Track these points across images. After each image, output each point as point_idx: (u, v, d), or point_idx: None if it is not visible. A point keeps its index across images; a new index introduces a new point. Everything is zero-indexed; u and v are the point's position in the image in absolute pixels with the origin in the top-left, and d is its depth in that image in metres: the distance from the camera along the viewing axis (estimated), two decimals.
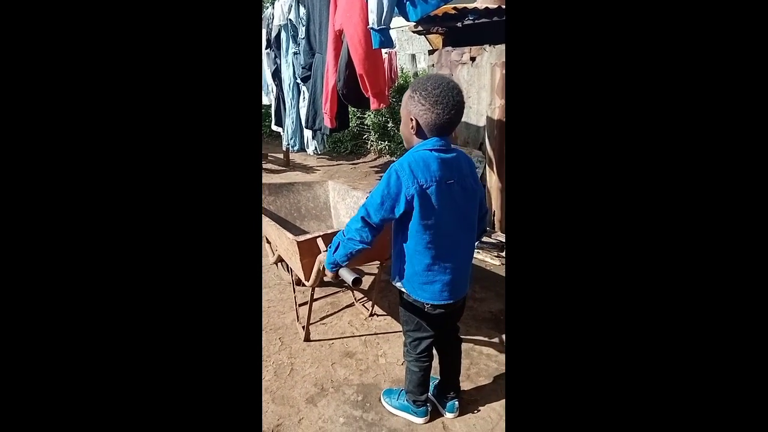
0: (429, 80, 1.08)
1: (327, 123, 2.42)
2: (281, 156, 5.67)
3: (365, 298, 2.20)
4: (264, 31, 3.80)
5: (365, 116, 5.79)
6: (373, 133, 5.84)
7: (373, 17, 1.59)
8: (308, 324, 1.84)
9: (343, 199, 2.40)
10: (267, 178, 4.85)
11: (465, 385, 1.56)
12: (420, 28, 3.38)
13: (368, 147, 6.10)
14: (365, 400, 1.51)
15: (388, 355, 1.77)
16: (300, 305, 2.01)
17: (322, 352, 1.79)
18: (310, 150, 3.25)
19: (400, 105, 1.16)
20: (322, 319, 2.04)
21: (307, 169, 5.50)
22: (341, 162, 5.84)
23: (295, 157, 5.89)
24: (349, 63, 1.97)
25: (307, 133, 3.15)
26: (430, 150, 1.08)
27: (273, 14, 3.42)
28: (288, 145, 3.62)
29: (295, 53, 3.05)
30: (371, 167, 5.50)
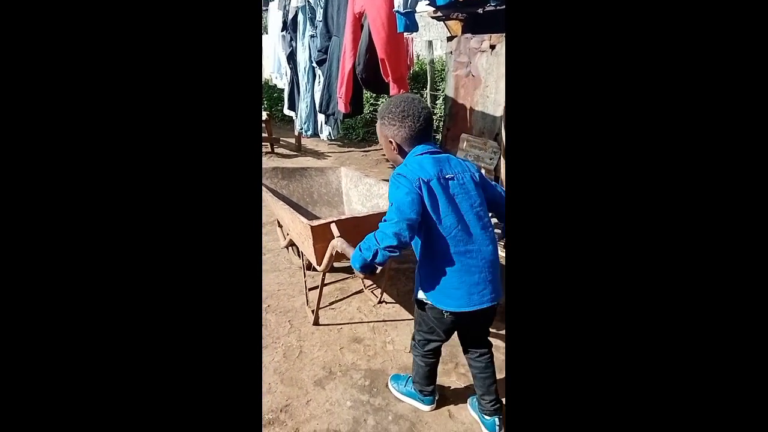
0: (391, 103, 1.16)
1: (341, 108, 2.40)
2: (293, 141, 5.65)
3: (374, 285, 2.21)
4: (281, 13, 3.75)
5: (378, 103, 5.74)
6: None
7: (399, 0, 1.56)
8: (318, 308, 1.86)
9: (356, 185, 2.40)
10: (278, 163, 4.85)
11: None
12: (439, 14, 3.30)
13: None
14: (372, 385, 1.53)
15: (396, 342, 1.78)
16: (310, 290, 2.02)
17: (330, 336, 1.81)
18: (324, 135, 3.22)
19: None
20: (331, 304, 2.05)
21: (318, 155, 5.49)
22: (352, 149, 5.82)
23: (307, 143, 5.87)
24: (370, 47, 1.94)
25: (321, 118, 3.13)
26: (420, 154, 1.13)
27: None
28: (301, 129, 3.61)
29: (312, 36, 3.01)
30: (383, 155, 5.46)
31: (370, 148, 5.81)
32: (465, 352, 1.31)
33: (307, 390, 1.50)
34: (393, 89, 1.92)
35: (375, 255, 1.07)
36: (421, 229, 1.10)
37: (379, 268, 1.14)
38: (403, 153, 1.17)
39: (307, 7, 3.03)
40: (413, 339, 1.35)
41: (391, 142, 1.17)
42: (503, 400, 1.31)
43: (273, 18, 4.16)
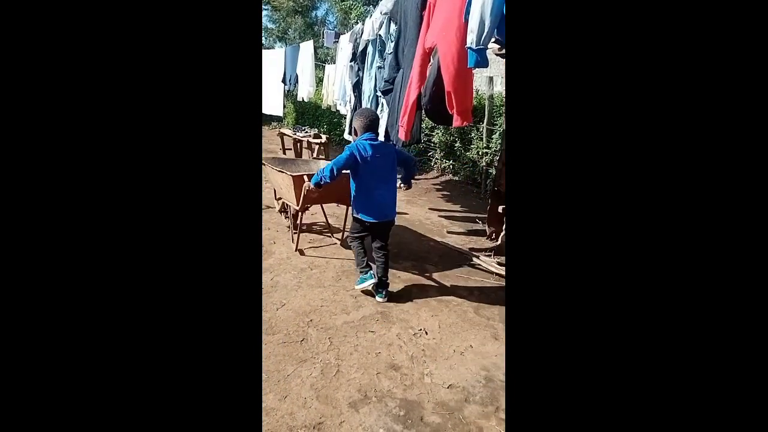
0: (359, 111, 2.36)
1: (401, 135, 2.47)
2: None
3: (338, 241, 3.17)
4: (351, 45, 4.01)
5: (433, 134, 5.83)
6: (438, 151, 5.85)
7: (472, 37, 1.61)
8: (298, 240, 2.88)
9: None
10: None
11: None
12: (504, 51, 3.35)
13: (432, 164, 6.11)
14: (407, 416, 1.48)
15: (435, 375, 1.72)
16: (294, 233, 2.97)
17: (368, 359, 1.79)
18: None
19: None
20: (366, 322, 2.05)
21: None
22: None
23: None
24: (438, 80, 2.00)
25: None
26: (365, 139, 2.19)
27: (362, 29, 3.59)
28: None
29: (379, 67, 3.17)
30: (432, 184, 5.49)
31: (420, 177, 5.88)
32: (372, 249, 2.35)
33: (341, 410, 1.49)
34: (456, 121, 1.95)
35: (320, 177, 2.17)
36: (355, 177, 2.22)
37: (322, 184, 2.21)
38: (359, 134, 2.25)
39: (378, 40, 3.22)
40: (349, 234, 2.46)
41: (355, 129, 2.27)
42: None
43: (343, 49, 4.45)
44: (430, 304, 2.29)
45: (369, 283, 2.26)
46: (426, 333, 2.03)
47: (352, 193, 2.25)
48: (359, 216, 2.25)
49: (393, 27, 2.88)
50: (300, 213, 2.66)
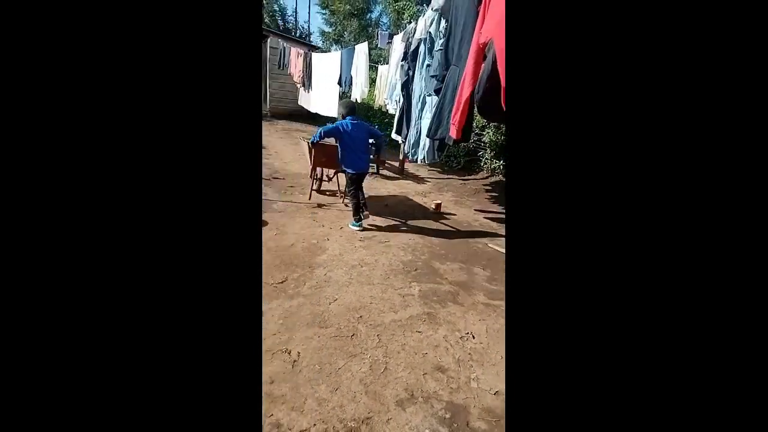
0: (341, 101, 3.58)
1: (452, 134, 2.43)
2: (397, 164, 5.89)
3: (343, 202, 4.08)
4: (402, 45, 4.02)
5: (483, 133, 5.68)
6: (489, 150, 5.69)
7: None
8: (311, 190, 4.07)
9: None
10: (381, 184, 5.09)
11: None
12: None
13: (481, 164, 5.96)
14: (453, 420, 1.46)
15: (481, 380, 1.68)
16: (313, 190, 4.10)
17: (415, 359, 1.79)
18: (429, 159, 3.32)
19: None
20: (414, 324, 2.05)
21: (418, 179, 5.61)
22: (452, 176, 5.82)
23: (409, 167, 6.06)
24: (492, 75, 1.95)
25: (427, 143, 3.22)
26: (348, 120, 3.29)
27: (415, 28, 3.59)
28: (408, 154, 3.76)
29: (428, 65, 3.16)
30: (482, 185, 5.35)
31: (469, 177, 5.76)
32: (362, 193, 3.41)
33: (388, 408, 1.50)
34: None
35: (313, 138, 3.36)
36: (341, 144, 3.30)
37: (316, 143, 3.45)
38: (343, 118, 3.32)
39: (428, 38, 3.20)
40: (345, 188, 3.58)
41: (342, 114, 3.31)
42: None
43: (395, 49, 4.48)
44: (477, 308, 2.24)
45: (357, 229, 3.32)
46: (473, 337, 1.99)
47: (339, 154, 3.34)
48: (346, 169, 3.35)
49: (443, 24, 2.84)
50: (312, 170, 3.90)
